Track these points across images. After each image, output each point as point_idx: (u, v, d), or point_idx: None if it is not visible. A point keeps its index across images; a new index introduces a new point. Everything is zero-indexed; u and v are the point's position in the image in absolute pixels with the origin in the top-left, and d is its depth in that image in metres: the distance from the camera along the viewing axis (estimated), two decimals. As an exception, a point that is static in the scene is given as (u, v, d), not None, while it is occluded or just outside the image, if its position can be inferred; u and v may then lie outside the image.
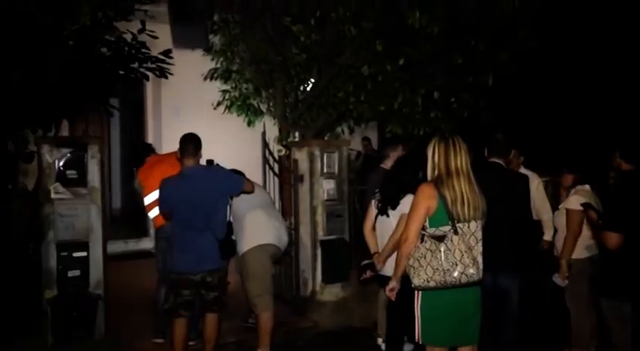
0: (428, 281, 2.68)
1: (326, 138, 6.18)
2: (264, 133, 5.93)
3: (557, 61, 6.33)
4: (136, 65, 4.83)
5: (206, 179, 3.61)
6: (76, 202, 3.97)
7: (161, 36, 6.18)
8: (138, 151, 4.49)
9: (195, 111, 7.65)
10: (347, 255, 5.19)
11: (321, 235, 5.10)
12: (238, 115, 6.93)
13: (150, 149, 4.50)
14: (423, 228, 2.79)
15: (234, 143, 7.83)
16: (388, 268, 3.52)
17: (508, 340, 3.64)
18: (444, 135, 2.88)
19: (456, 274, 2.65)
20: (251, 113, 6.69)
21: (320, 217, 5.08)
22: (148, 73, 4.92)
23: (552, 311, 4.50)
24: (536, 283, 4.38)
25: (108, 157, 8.31)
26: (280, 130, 7.25)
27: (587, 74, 6.43)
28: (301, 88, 6.25)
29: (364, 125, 5.51)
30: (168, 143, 7.37)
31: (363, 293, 5.20)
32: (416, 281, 2.72)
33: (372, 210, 3.68)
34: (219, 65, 6.91)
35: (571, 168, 4.13)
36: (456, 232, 2.69)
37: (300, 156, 5.17)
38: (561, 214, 4.03)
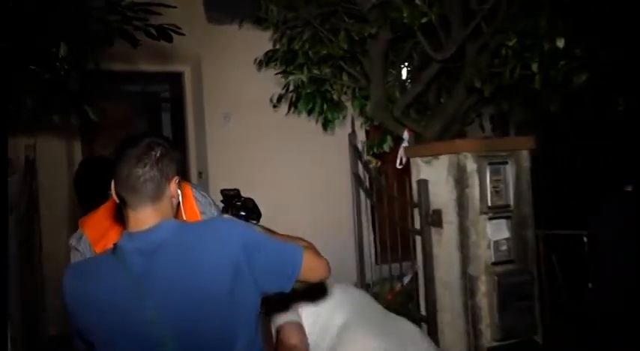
0: None
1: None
2: (352, 136, 3.33)
3: None
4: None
5: (187, 260, 1.17)
6: None
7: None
8: (80, 178, 1.99)
9: (250, 112, 5.19)
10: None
11: (488, 339, 2.33)
12: (309, 113, 4.23)
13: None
14: None
15: (309, 157, 5.27)
16: None
17: None
18: None
19: None
20: (329, 107, 4.04)
21: (484, 301, 2.32)
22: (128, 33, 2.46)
23: None
24: None
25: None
26: (367, 131, 4.57)
27: None
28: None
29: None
30: (213, 163, 5.01)
31: None
32: None
33: None
34: (278, 46, 4.26)
35: None
36: None
37: (432, 173, 2.47)
38: None
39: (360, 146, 4.28)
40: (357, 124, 5.42)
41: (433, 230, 2.44)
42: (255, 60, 4.23)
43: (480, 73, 2.77)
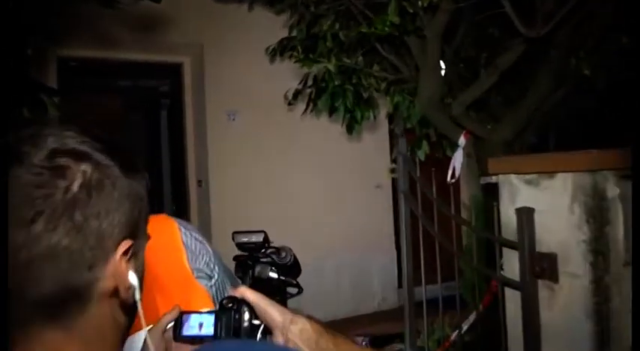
0: None
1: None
2: (402, 140, 2.52)
3: None
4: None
5: None
6: None
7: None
8: None
9: (259, 111, 4.40)
10: None
11: None
12: (330, 114, 3.38)
13: None
14: None
15: (328, 164, 4.49)
16: None
17: None
18: None
19: None
20: (360, 106, 3.20)
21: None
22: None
23: None
24: None
25: (159, 186, 4.93)
26: (394, 133, 3.82)
27: None
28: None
29: None
30: (215, 169, 4.19)
31: None
32: None
33: None
34: (295, 32, 3.43)
35: None
36: None
37: (541, 198, 1.63)
38: None
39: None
40: (385, 126, 4.61)
41: (541, 284, 1.62)
42: (268, 49, 3.39)
43: (589, 59, 1.97)
